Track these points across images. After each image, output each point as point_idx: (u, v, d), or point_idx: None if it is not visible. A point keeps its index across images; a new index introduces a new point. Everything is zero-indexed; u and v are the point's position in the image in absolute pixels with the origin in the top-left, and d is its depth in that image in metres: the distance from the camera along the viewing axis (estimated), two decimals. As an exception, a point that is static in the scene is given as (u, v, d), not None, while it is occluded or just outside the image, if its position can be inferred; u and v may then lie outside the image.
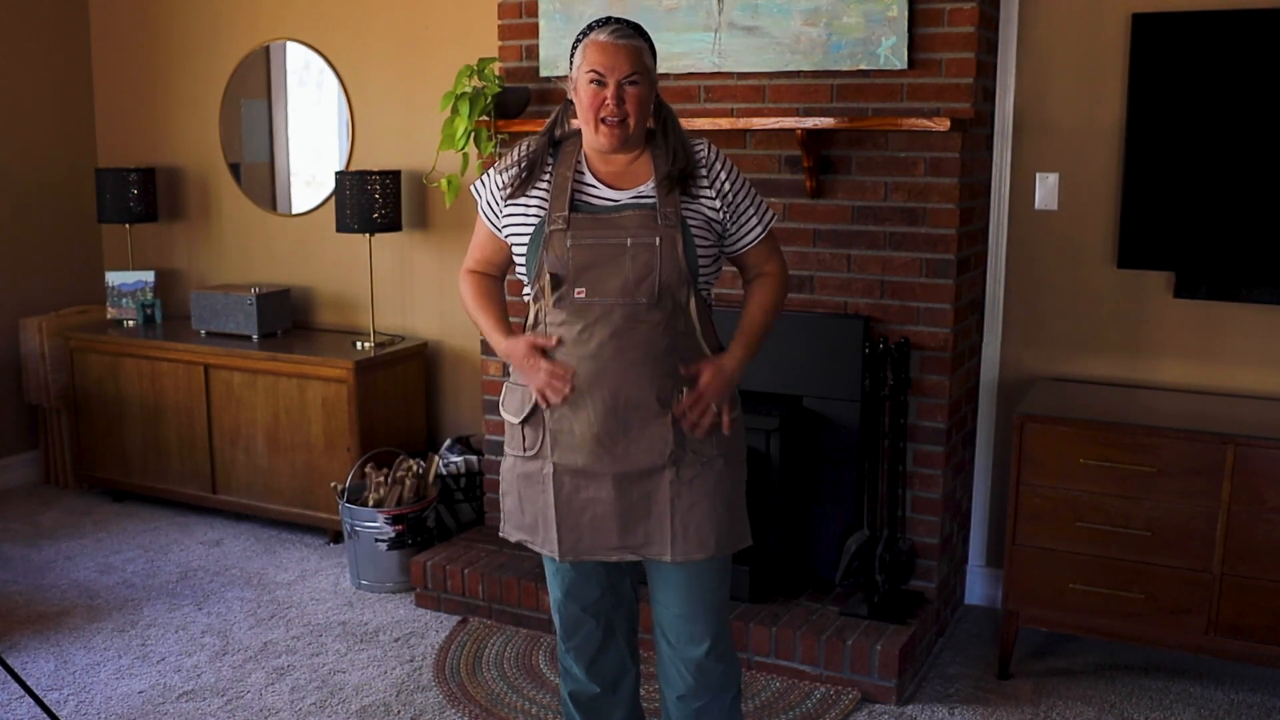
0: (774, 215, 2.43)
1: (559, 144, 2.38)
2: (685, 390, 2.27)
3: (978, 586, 3.87)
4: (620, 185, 2.32)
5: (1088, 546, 3.19)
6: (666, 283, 2.24)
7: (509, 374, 2.42)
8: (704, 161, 2.33)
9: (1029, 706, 3.22)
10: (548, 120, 2.41)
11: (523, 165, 2.34)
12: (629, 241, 2.24)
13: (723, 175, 2.33)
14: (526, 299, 2.37)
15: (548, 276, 2.26)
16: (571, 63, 2.31)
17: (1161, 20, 3.33)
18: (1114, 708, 3.21)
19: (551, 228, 2.27)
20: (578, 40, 2.30)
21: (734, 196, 2.34)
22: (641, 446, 2.27)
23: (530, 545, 2.42)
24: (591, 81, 2.25)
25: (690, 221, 2.28)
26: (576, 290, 2.25)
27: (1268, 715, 3.18)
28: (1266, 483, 3.00)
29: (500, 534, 2.50)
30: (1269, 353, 3.42)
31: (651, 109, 2.33)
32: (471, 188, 2.47)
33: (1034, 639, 3.60)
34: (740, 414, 2.40)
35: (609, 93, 2.24)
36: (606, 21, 2.30)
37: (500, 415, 2.43)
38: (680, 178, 2.29)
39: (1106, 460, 3.14)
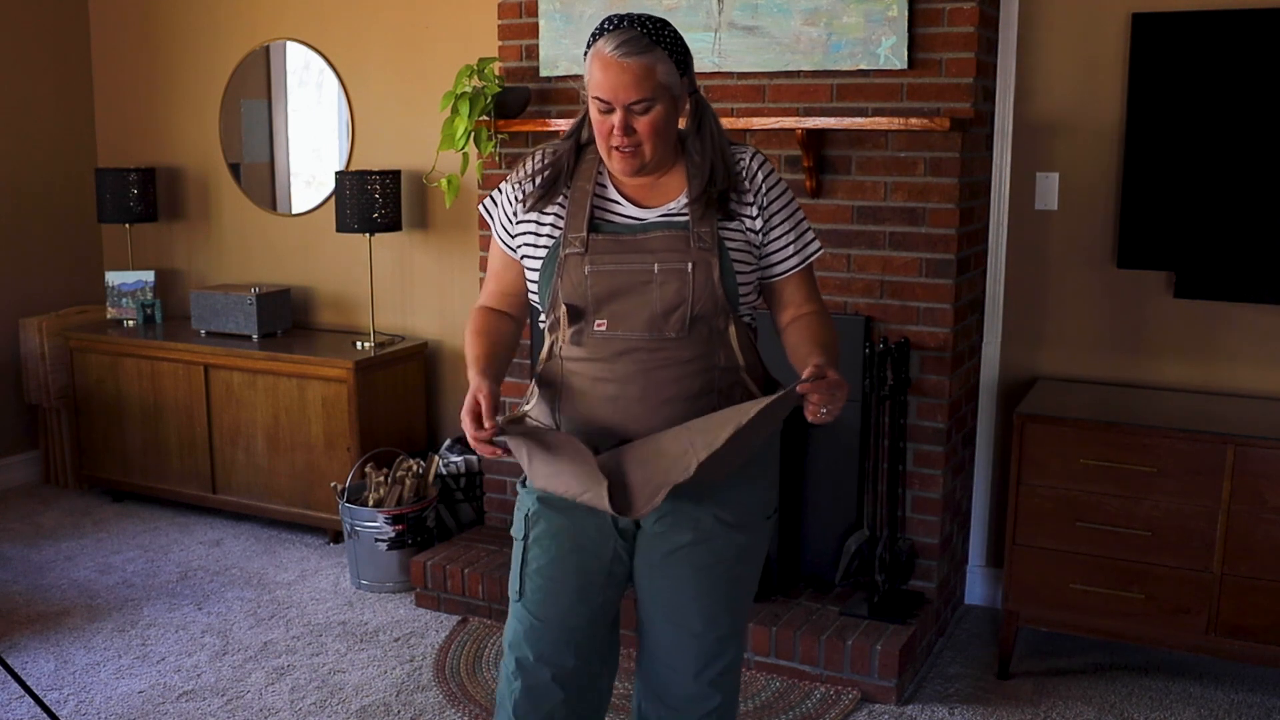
0: (820, 248, 2.10)
1: (581, 150, 2.06)
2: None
3: (978, 586, 3.87)
4: (648, 201, 2.02)
5: (1088, 546, 3.19)
6: (700, 314, 1.94)
7: (528, 404, 2.10)
8: (745, 173, 2.02)
9: (1029, 706, 3.22)
10: (574, 122, 2.09)
11: (546, 174, 2.04)
12: (656, 268, 1.94)
13: (764, 187, 2.02)
14: (543, 327, 2.08)
15: (564, 307, 1.97)
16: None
17: (1161, 20, 3.33)
18: (1114, 708, 3.21)
19: (567, 251, 1.98)
20: (589, 43, 1.97)
21: (771, 215, 2.03)
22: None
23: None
24: (600, 110, 1.95)
25: (729, 244, 1.97)
26: (597, 323, 1.96)
27: (1268, 715, 3.18)
28: (1266, 483, 3.00)
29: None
30: (1269, 353, 3.42)
31: (678, 125, 2.01)
32: (480, 208, 2.18)
33: (1034, 639, 3.60)
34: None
35: (616, 121, 1.93)
36: (617, 26, 1.93)
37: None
38: (719, 198, 1.98)
39: (1106, 460, 3.14)
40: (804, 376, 1.85)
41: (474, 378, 1.99)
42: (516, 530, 2.13)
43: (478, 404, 1.92)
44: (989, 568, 3.86)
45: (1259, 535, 3.02)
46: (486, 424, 1.89)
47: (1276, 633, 3.04)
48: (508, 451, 1.95)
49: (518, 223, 2.07)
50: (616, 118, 1.93)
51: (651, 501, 1.88)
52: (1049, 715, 3.18)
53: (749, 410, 1.86)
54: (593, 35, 1.96)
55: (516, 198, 2.07)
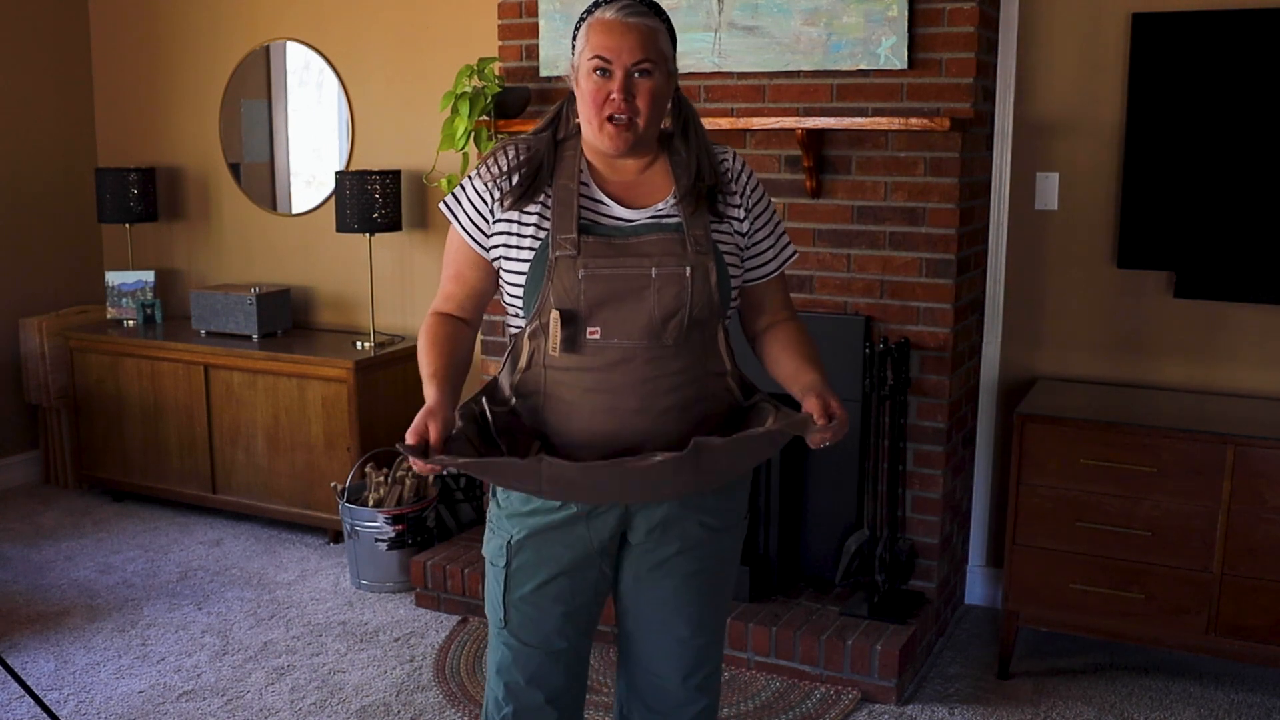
0: (795, 253, 2.08)
1: (558, 145, 1.98)
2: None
3: (978, 586, 3.87)
4: (634, 201, 1.94)
5: (1088, 546, 3.19)
6: (697, 319, 1.89)
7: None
8: (730, 173, 1.98)
9: (1029, 706, 3.22)
10: (547, 116, 2.00)
11: (523, 170, 1.93)
12: (654, 272, 1.87)
13: (748, 188, 2.00)
14: (513, 331, 1.97)
15: (554, 314, 1.86)
16: (574, 48, 1.93)
17: (1161, 20, 3.33)
18: (1114, 708, 3.21)
19: (558, 253, 1.87)
20: (581, 21, 1.92)
21: (755, 217, 2.01)
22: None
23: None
24: (595, 70, 1.87)
25: (721, 247, 1.93)
26: (589, 330, 1.87)
27: (1268, 715, 3.18)
28: (1266, 483, 3.00)
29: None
30: (1269, 353, 3.42)
31: (668, 106, 1.95)
32: (442, 206, 2.01)
33: (1034, 639, 3.60)
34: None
35: (615, 85, 1.86)
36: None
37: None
38: (707, 193, 1.93)
39: (1106, 460, 3.14)
40: (815, 415, 1.83)
41: (431, 395, 1.89)
42: (494, 555, 2.03)
43: (426, 429, 1.80)
44: (989, 568, 3.86)
45: (1259, 535, 3.02)
46: (432, 453, 1.78)
47: (1276, 633, 3.04)
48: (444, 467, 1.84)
49: (494, 222, 1.95)
50: (617, 81, 1.86)
51: (645, 459, 1.79)
52: (1049, 715, 3.18)
53: (759, 433, 1.83)
54: (584, 14, 1.92)
55: (492, 195, 1.95)
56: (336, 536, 4.44)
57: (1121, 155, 3.48)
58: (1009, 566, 3.29)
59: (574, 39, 1.93)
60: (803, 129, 3.31)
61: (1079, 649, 3.56)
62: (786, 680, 3.30)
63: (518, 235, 1.93)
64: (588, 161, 1.97)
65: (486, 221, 1.96)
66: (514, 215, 1.93)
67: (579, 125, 1.98)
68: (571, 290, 1.86)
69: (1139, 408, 3.35)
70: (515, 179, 1.93)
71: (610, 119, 1.88)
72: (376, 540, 3.94)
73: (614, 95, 1.86)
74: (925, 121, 3.18)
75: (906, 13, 3.29)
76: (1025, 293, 3.69)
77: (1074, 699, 3.26)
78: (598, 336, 1.87)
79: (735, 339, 2.04)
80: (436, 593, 3.81)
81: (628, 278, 1.87)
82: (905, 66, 3.32)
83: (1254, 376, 3.45)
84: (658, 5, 1.93)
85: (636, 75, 1.87)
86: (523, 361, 1.93)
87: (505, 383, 1.97)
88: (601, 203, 1.94)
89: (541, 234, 1.91)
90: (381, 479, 4.03)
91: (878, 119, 3.26)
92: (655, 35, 1.89)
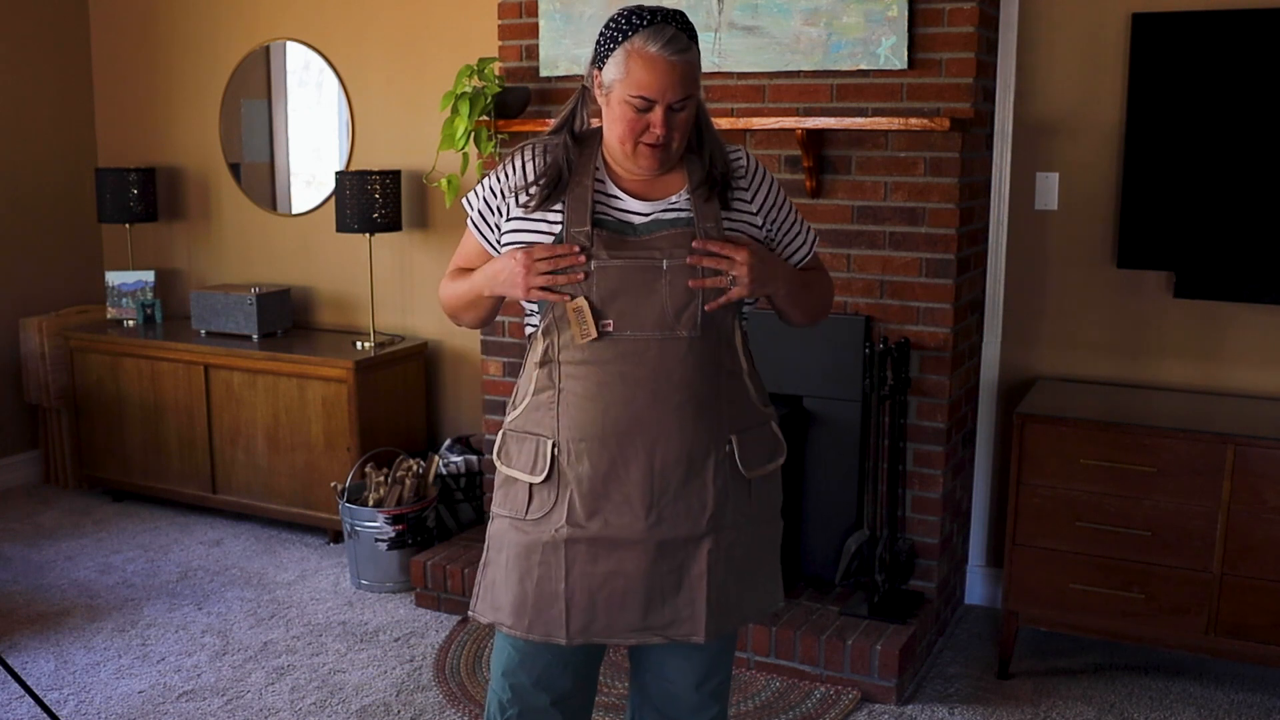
0: (816, 236, 2.14)
1: (575, 143, 2.00)
2: (733, 442, 1.97)
3: (978, 586, 3.87)
4: (649, 196, 1.97)
5: (1088, 546, 3.19)
6: (710, 312, 1.92)
7: (515, 411, 2.02)
8: (743, 170, 2.01)
9: (1029, 706, 3.22)
10: (562, 114, 2.01)
11: (543, 180, 1.95)
12: (665, 263, 1.89)
13: (763, 187, 2.02)
14: (530, 332, 2.01)
15: (581, 300, 1.90)
16: (600, 59, 1.91)
17: (1161, 20, 3.33)
18: (1114, 708, 3.21)
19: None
20: (617, 38, 1.88)
21: (777, 211, 2.04)
22: (679, 511, 1.94)
23: (512, 631, 2.03)
24: (635, 108, 1.88)
25: (733, 239, 1.96)
26: (603, 323, 1.90)
27: (1268, 715, 3.18)
28: (1266, 483, 3.00)
29: (471, 613, 2.15)
30: (1269, 353, 3.42)
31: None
32: (464, 201, 2.07)
33: (1034, 639, 3.60)
34: (778, 468, 2.10)
35: (657, 119, 1.87)
36: (654, 20, 1.87)
37: (497, 464, 2.05)
38: (719, 186, 1.96)
39: (1106, 460, 3.14)
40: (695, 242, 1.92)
41: (483, 268, 2.00)
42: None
43: (534, 251, 1.92)
44: (989, 568, 3.86)
45: (1259, 535, 3.02)
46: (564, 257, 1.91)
47: (1276, 633, 3.04)
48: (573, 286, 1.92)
49: (508, 220, 1.98)
50: (657, 115, 1.87)
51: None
52: (1049, 715, 3.18)
53: None
54: (620, 30, 1.88)
55: (508, 201, 1.98)
56: (336, 536, 4.44)
57: (1121, 155, 3.48)
58: (1009, 566, 3.29)
59: (606, 50, 1.90)
60: (803, 129, 3.31)
61: (1079, 649, 3.56)
62: (786, 680, 3.30)
63: (532, 231, 1.96)
64: (605, 159, 1.99)
65: (499, 217, 2.00)
66: (535, 213, 1.97)
67: (596, 125, 2.00)
68: (584, 282, 1.90)
69: (1139, 408, 3.35)
70: (535, 189, 1.95)
71: (644, 143, 1.91)
72: (376, 540, 3.94)
73: (655, 129, 1.88)
74: (925, 121, 3.18)
75: (906, 13, 3.29)
76: (1025, 293, 3.69)
77: (1074, 699, 3.26)
78: (611, 329, 1.90)
79: (756, 347, 2.07)
80: (436, 593, 3.81)
81: (639, 270, 1.90)
82: (905, 66, 3.32)
83: (1254, 376, 3.45)
84: (688, 27, 1.91)
85: (675, 109, 1.89)
86: (537, 358, 1.96)
87: (522, 383, 2.01)
88: (616, 198, 1.97)
89: (557, 228, 1.94)
90: (381, 479, 4.03)
91: (878, 119, 3.26)
92: (694, 68, 1.90)
